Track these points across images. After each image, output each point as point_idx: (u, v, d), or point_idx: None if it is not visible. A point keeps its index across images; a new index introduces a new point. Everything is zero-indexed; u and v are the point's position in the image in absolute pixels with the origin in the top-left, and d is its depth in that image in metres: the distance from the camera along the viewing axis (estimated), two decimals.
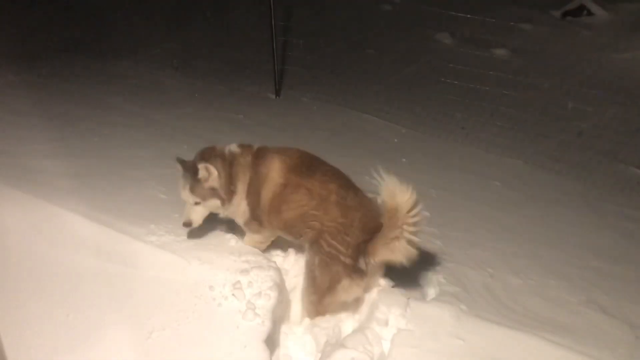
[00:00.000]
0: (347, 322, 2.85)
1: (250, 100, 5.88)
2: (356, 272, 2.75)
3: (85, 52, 6.87)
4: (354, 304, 2.91)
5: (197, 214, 2.93)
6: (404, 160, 4.95)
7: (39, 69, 6.02)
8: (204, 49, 7.27)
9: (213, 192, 2.86)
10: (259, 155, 2.96)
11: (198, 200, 2.87)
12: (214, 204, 2.91)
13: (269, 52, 6.04)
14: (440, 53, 7.50)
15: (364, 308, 2.89)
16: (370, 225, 2.79)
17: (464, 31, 7.90)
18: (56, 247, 3.12)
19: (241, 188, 2.93)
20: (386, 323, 2.73)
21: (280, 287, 2.90)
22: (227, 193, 2.89)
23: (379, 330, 2.70)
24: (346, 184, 2.96)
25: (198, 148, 4.43)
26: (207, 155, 2.91)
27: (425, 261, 3.30)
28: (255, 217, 2.99)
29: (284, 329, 2.89)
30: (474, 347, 2.58)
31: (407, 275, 3.14)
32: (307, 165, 2.94)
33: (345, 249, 2.75)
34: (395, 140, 5.37)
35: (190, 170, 2.84)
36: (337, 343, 2.66)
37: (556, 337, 2.79)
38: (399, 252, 2.66)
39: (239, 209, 2.98)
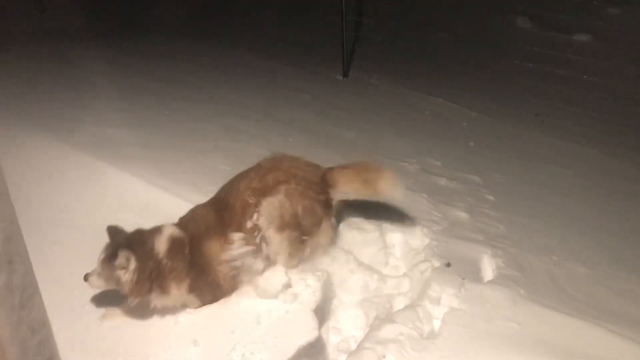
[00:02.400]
0: (398, 298, 2.81)
1: (318, 80, 5.89)
2: (330, 209, 2.83)
3: (164, 32, 7.12)
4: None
5: (99, 282, 2.49)
6: (471, 144, 4.80)
7: (118, 45, 6.29)
8: (275, 29, 7.33)
9: (118, 282, 2.44)
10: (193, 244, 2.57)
11: (101, 279, 2.47)
12: (113, 287, 2.49)
13: (339, 32, 6.00)
14: (518, 37, 7.18)
15: (417, 285, 2.83)
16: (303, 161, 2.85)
17: (545, 15, 7.52)
18: (120, 210, 3.27)
19: (175, 291, 2.52)
20: (438, 301, 2.67)
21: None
22: (142, 290, 2.45)
23: (431, 308, 2.64)
24: (244, 172, 2.82)
25: (262, 124, 4.58)
26: (135, 243, 2.48)
27: (484, 244, 3.20)
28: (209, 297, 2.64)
29: (335, 302, 2.88)
30: (530, 333, 2.47)
31: (463, 257, 3.05)
32: (222, 208, 2.68)
33: (315, 189, 2.74)
34: (464, 124, 5.22)
35: (112, 247, 2.45)
36: (387, 318, 2.63)
37: (625, 330, 2.62)
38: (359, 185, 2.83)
39: (176, 302, 2.57)
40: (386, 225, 3.30)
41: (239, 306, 2.61)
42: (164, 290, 2.48)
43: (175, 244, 2.52)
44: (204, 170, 3.62)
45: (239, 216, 2.63)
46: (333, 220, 2.94)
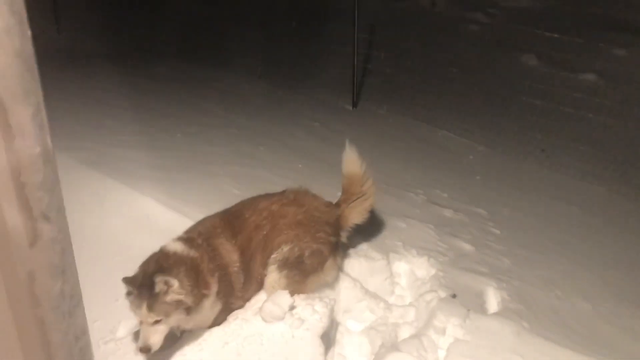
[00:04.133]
0: (403, 328, 2.83)
1: (328, 109, 5.99)
2: (338, 250, 2.98)
3: (179, 57, 7.27)
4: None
5: (158, 335, 2.38)
6: (477, 177, 4.86)
7: (132, 67, 6.44)
8: (288, 59, 7.48)
9: (178, 305, 2.39)
10: (210, 251, 2.62)
11: (159, 317, 2.36)
12: (179, 319, 2.43)
13: (350, 64, 6.12)
14: (525, 74, 7.29)
15: (423, 315, 2.86)
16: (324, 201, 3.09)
17: (552, 54, 7.66)
18: (134, 230, 3.33)
19: (214, 290, 2.56)
20: (443, 332, 2.69)
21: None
22: (196, 299, 2.46)
23: (435, 338, 2.67)
24: (266, 195, 3.01)
25: (273, 150, 4.66)
26: (164, 263, 2.47)
27: (489, 276, 3.23)
28: (228, 306, 2.70)
29: (340, 329, 2.91)
30: None
31: (469, 289, 3.09)
32: (235, 217, 2.83)
33: (327, 231, 2.90)
34: (471, 157, 5.28)
35: (145, 285, 2.36)
36: (392, 347, 2.65)
37: None
38: (363, 210, 3.11)
39: (211, 311, 2.61)
40: (393, 255, 3.35)
41: (245, 330, 2.64)
42: (206, 285, 2.52)
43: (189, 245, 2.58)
44: (214, 193, 3.69)
45: (250, 228, 2.76)
46: (339, 259, 3.04)
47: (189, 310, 2.43)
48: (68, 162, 3.89)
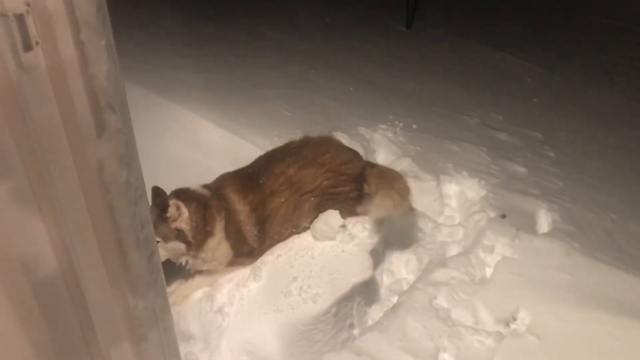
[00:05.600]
0: (451, 246, 2.87)
1: (381, 30, 5.84)
2: (360, 202, 2.82)
3: None
4: None
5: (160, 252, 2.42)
6: (535, 100, 4.71)
7: None
8: None
9: (179, 235, 2.48)
10: (219, 195, 2.65)
11: (157, 239, 2.33)
12: (176, 248, 2.51)
13: None
14: None
15: (471, 234, 2.89)
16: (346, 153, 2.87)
17: None
18: (188, 148, 3.44)
19: (219, 228, 2.59)
20: (492, 250, 2.72)
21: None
22: (199, 236, 2.53)
23: (483, 256, 2.70)
24: (282, 152, 2.82)
25: (325, 73, 4.63)
26: (181, 194, 2.55)
27: (541, 198, 3.20)
28: (242, 253, 2.70)
29: (389, 246, 2.98)
30: (582, 284, 2.49)
31: (519, 210, 3.07)
32: (249, 179, 2.73)
33: (350, 186, 2.78)
34: (529, 80, 5.10)
35: (159, 204, 2.43)
36: (440, 263, 2.71)
37: None
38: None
39: (216, 252, 2.61)
40: (443, 176, 3.35)
41: (297, 244, 2.73)
42: (211, 232, 2.56)
43: (212, 190, 2.65)
44: (268, 116, 3.74)
45: (265, 193, 2.68)
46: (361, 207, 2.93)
47: (189, 246, 2.50)
48: (129, 85, 4.00)
